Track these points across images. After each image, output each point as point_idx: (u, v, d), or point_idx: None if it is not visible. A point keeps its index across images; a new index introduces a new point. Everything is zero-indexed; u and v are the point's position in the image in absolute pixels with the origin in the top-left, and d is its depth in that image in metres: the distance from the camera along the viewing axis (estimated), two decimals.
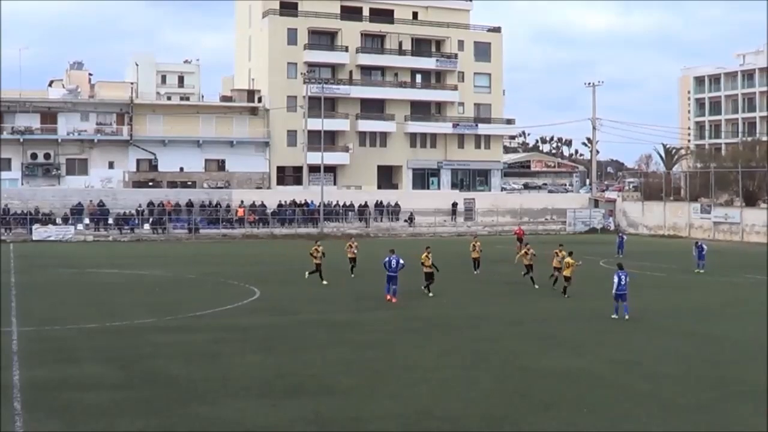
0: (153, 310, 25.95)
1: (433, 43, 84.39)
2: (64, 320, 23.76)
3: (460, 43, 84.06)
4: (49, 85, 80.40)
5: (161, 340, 20.94)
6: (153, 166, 74.05)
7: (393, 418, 14.02)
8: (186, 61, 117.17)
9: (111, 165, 72.98)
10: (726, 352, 20.34)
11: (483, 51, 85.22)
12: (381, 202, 70.79)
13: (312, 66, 77.24)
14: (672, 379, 16.94)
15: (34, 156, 70.51)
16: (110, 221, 62.28)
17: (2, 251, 48.20)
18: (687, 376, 17.42)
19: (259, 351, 19.67)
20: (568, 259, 29.20)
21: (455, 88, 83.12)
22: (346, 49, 79.50)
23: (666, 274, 38.81)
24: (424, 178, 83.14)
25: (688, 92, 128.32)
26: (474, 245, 37.23)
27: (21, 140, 70.09)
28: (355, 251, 35.52)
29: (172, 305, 27.09)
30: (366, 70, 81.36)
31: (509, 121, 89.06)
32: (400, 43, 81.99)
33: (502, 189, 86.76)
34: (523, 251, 33.98)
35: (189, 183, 73.52)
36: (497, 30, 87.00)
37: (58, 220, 61.04)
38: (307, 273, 33.75)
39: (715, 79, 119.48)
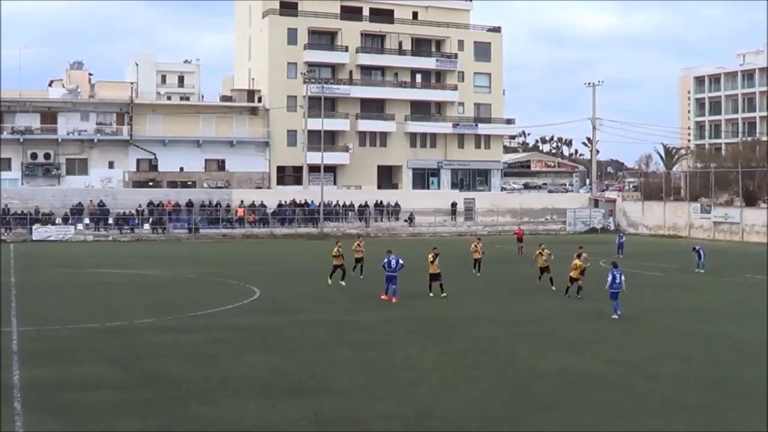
0: (153, 310, 25.94)
1: (433, 43, 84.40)
2: (64, 320, 23.75)
3: (460, 43, 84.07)
4: (49, 85, 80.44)
5: (161, 340, 20.94)
6: (153, 166, 74.06)
7: (393, 418, 14.01)
8: (186, 61, 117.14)
9: (111, 165, 73.01)
10: (726, 352, 20.33)
11: (483, 51, 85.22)
12: (381, 202, 70.80)
13: (312, 66, 77.26)
14: (672, 379, 16.93)
15: (34, 156, 70.52)
16: (110, 221, 62.32)
17: (2, 251, 48.22)
18: (687, 376, 17.41)
19: (259, 351, 19.66)
20: (576, 261, 29.13)
21: (455, 88, 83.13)
22: (346, 49, 79.51)
23: (666, 274, 38.81)
24: (424, 178, 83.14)
25: (688, 92, 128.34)
26: (476, 245, 37.03)
27: (21, 140, 70.12)
28: (362, 251, 35.05)
29: (172, 305, 27.08)
30: (366, 70, 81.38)
31: (509, 121, 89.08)
32: (400, 43, 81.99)
33: (502, 189, 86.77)
34: (537, 252, 32.57)
35: (189, 183, 73.54)
36: (497, 30, 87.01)
37: (58, 220, 61.06)
38: (329, 278, 32.59)
39: (715, 79, 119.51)
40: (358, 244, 35.77)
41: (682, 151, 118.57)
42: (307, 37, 78.67)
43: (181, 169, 74.53)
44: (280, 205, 67.98)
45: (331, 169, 77.45)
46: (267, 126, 77.29)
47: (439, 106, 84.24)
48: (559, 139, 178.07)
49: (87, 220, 62.12)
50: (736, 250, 53.89)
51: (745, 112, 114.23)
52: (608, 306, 25.10)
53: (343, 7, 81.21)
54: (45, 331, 22.22)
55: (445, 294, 28.59)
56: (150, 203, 64.60)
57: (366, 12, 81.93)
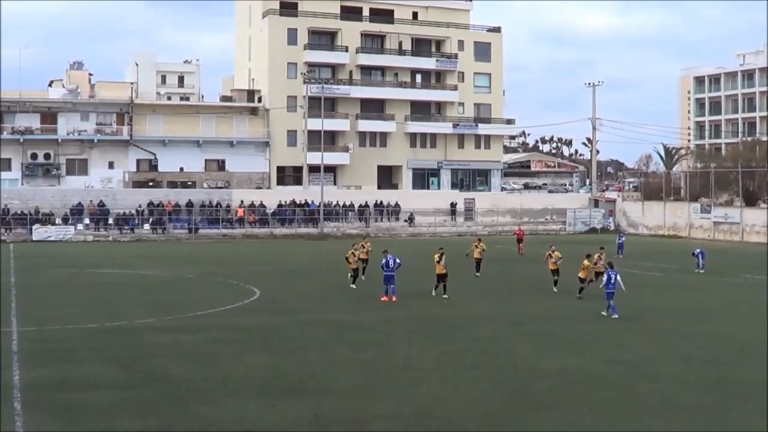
0: (153, 310, 25.95)
1: (433, 43, 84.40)
2: (64, 320, 23.75)
3: (460, 43, 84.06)
4: (49, 85, 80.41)
5: (161, 340, 20.94)
6: (153, 166, 74.06)
7: (393, 418, 14.01)
8: (186, 61, 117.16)
9: (111, 165, 73.00)
10: (726, 352, 20.33)
11: (483, 51, 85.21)
12: (381, 202, 70.81)
13: (312, 66, 77.26)
14: (672, 379, 16.93)
15: (34, 156, 70.52)
16: (110, 221, 62.33)
17: (2, 251, 48.22)
18: (687, 376, 17.41)
19: (259, 351, 19.67)
20: (585, 261, 29.14)
21: (455, 88, 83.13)
22: (346, 49, 79.51)
23: (666, 274, 38.80)
24: (424, 178, 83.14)
25: (688, 92, 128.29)
26: (477, 245, 36.90)
27: (21, 140, 70.11)
28: (368, 252, 34.70)
29: (172, 305, 27.09)
30: (366, 70, 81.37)
31: (509, 121, 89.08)
32: (400, 43, 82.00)
33: (502, 189, 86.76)
34: (547, 253, 31.89)
35: (189, 183, 73.54)
36: (497, 30, 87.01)
37: (58, 220, 61.06)
38: (351, 279, 31.93)
39: (715, 79, 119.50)
40: (363, 245, 35.64)
41: (682, 151, 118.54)
42: (307, 38, 78.67)
43: (181, 169, 74.53)
44: (280, 206, 67.99)
45: (331, 170, 77.45)
46: (267, 126, 77.29)
47: (439, 106, 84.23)
48: (559, 139, 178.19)
49: (87, 221, 62.12)
50: (736, 250, 53.89)
51: (745, 112, 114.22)
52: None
53: (343, 7, 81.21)
54: (45, 331, 22.22)
55: (446, 296, 28.59)
56: (150, 203, 64.61)
57: (366, 12, 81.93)
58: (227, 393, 15.46)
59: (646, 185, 79.85)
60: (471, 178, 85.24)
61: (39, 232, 58.61)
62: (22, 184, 69.35)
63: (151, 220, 63.44)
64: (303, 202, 68.76)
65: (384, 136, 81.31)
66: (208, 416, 14.00)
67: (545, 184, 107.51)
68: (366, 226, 68.21)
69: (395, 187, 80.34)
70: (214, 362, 18.26)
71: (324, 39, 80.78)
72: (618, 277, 24.90)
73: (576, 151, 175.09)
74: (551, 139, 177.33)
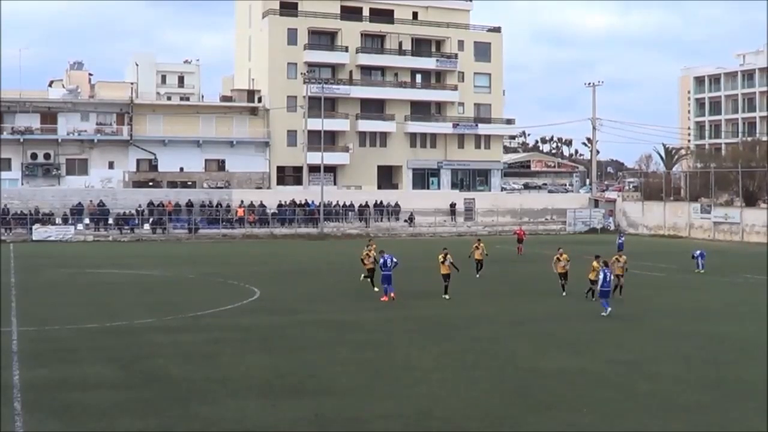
0: (153, 310, 25.95)
1: (433, 43, 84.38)
2: (64, 320, 23.76)
3: (460, 43, 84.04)
4: (49, 85, 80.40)
5: (161, 340, 20.94)
6: (153, 166, 74.06)
7: (393, 418, 14.02)
8: (186, 61, 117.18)
9: (111, 165, 72.99)
10: (726, 352, 20.33)
11: (483, 51, 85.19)
12: (381, 202, 70.81)
13: (312, 66, 77.24)
14: (672, 379, 16.93)
15: (34, 156, 70.51)
16: (110, 221, 62.34)
17: (2, 251, 48.22)
18: (687, 376, 17.42)
19: (259, 351, 19.67)
20: (594, 263, 29.05)
21: (455, 88, 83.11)
22: (346, 49, 79.50)
23: (666, 274, 38.82)
24: (424, 178, 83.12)
25: (688, 92, 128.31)
26: (477, 246, 36.83)
27: (21, 140, 70.09)
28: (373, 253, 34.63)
29: (172, 305, 27.09)
30: (366, 70, 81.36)
31: (509, 121, 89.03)
32: (400, 43, 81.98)
33: (502, 189, 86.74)
34: (555, 257, 30.85)
35: (189, 183, 73.53)
36: (497, 30, 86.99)
37: (58, 220, 61.07)
38: (369, 281, 31.42)
39: (715, 79, 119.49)
40: (368, 246, 35.44)
41: (682, 152, 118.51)
42: (307, 38, 78.66)
43: (181, 169, 74.52)
44: (280, 206, 67.99)
45: (331, 169, 77.44)
46: (267, 126, 77.28)
47: (439, 106, 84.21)
48: (559, 139, 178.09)
49: (87, 220, 62.12)
50: (736, 250, 53.89)
51: (745, 112, 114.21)
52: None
53: (343, 8, 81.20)
54: (45, 331, 22.22)
55: (447, 296, 28.61)
56: (150, 203, 64.61)
57: (366, 12, 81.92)
58: (227, 393, 15.46)
59: (646, 185, 79.86)
60: (471, 178, 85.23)
61: (39, 232, 58.62)
62: (22, 184, 69.35)
63: (151, 220, 63.45)
64: (303, 202, 68.77)
65: (384, 136, 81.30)
66: (208, 416, 14.00)
67: (545, 184, 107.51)
68: (366, 227, 68.23)
69: (395, 187, 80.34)
70: (214, 362, 18.26)
71: (324, 39, 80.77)
72: (612, 277, 24.88)
73: (576, 151, 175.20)
74: (551, 139, 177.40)
